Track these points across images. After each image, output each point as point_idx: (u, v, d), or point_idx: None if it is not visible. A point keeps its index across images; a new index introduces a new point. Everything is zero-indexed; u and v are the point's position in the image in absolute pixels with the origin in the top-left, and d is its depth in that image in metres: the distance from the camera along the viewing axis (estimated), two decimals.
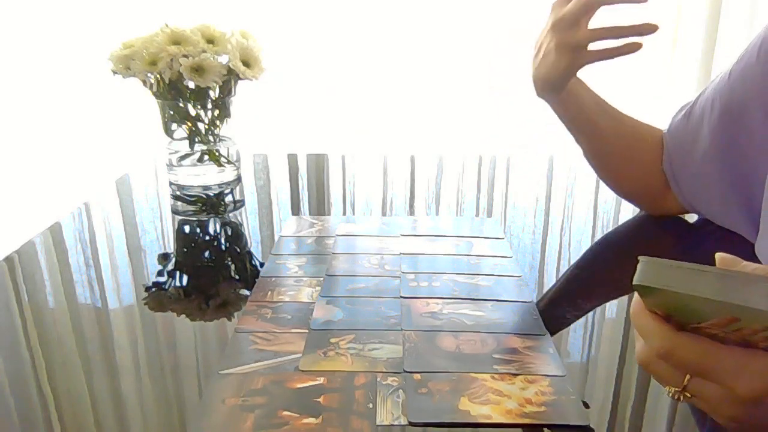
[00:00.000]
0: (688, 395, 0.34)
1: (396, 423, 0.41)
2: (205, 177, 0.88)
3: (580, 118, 0.71)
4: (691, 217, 0.78)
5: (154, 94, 0.84)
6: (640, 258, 0.33)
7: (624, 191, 0.79)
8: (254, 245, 0.73)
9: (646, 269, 0.32)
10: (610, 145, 0.74)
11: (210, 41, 0.81)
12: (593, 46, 0.63)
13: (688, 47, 1.71)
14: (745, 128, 0.62)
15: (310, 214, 0.79)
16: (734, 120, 0.63)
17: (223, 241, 0.76)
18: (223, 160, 0.89)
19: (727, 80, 0.64)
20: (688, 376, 0.33)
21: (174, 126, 0.87)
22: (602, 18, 0.65)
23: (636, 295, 0.34)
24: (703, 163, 0.68)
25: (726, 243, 0.69)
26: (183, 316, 0.56)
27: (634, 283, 0.32)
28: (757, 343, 0.32)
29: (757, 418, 0.32)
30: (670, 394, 0.34)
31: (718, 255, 0.34)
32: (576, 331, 0.54)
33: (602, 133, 0.72)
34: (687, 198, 0.72)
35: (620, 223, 0.80)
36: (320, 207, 0.84)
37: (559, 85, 0.66)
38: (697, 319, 0.32)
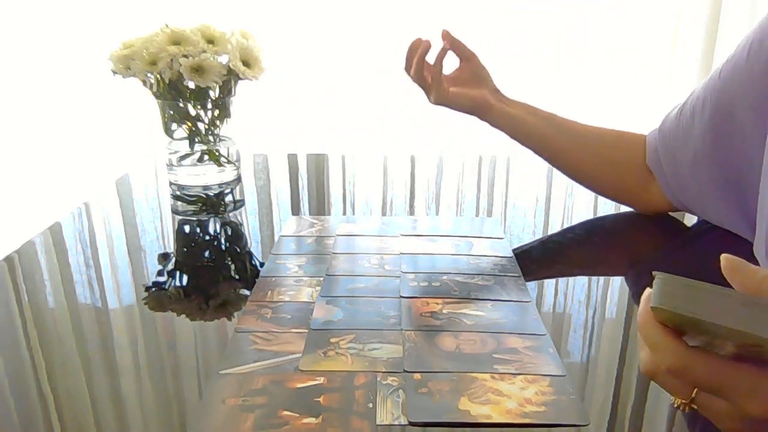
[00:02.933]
0: (695, 407, 0.33)
1: (396, 423, 0.41)
2: (205, 177, 0.88)
3: (520, 134, 0.77)
4: (690, 218, 0.78)
5: (154, 94, 0.84)
6: (656, 275, 0.31)
7: (601, 191, 0.80)
8: (254, 245, 0.73)
9: (664, 290, 0.30)
10: (571, 154, 0.77)
11: (210, 41, 0.81)
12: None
13: (688, 47, 1.71)
14: (736, 127, 0.62)
15: (310, 214, 0.79)
16: (725, 119, 0.63)
17: (223, 241, 0.76)
18: (223, 160, 0.89)
19: (718, 79, 0.64)
20: (696, 390, 0.33)
21: (174, 126, 0.87)
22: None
23: (643, 304, 0.33)
24: (695, 162, 0.68)
25: (725, 240, 0.69)
26: (183, 316, 0.56)
27: (652, 305, 0.31)
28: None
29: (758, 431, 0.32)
30: (676, 405, 0.34)
31: (724, 257, 0.32)
32: (576, 331, 0.54)
33: (557, 145, 0.77)
34: (679, 197, 0.72)
35: (620, 222, 0.80)
36: (320, 207, 0.84)
37: (472, 113, 0.76)
38: (713, 339, 0.31)
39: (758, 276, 0.30)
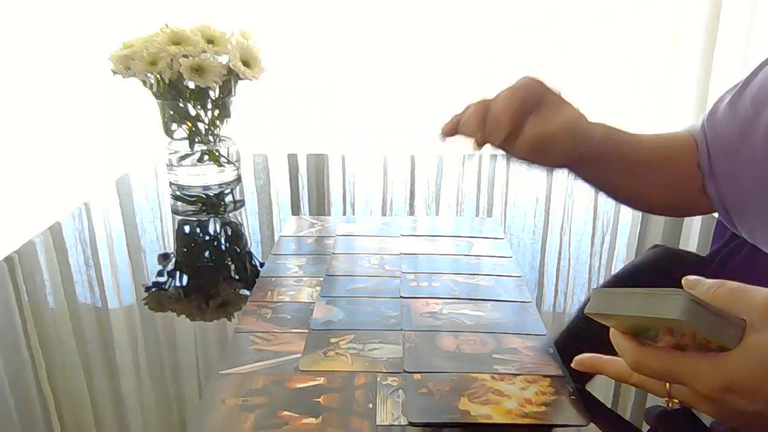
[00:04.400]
0: (676, 401, 0.38)
1: (396, 423, 0.41)
2: (205, 177, 0.88)
3: (595, 181, 0.63)
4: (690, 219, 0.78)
5: (154, 94, 0.84)
6: (593, 290, 0.39)
7: (655, 212, 0.71)
8: (254, 245, 0.73)
9: (593, 299, 0.39)
10: (639, 196, 0.65)
11: (210, 41, 0.81)
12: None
13: (688, 47, 1.71)
14: None
15: (310, 214, 0.79)
16: None
17: (223, 241, 0.76)
18: (223, 160, 0.89)
19: None
20: (667, 384, 0.37)
21: (174, 126, 0.87)
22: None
23: None
24: (755, 165, 0.58)
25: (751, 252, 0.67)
26: (183, 316, 0.56)
27: (585, 312, 0.39)
28: (707, 346, 0.35)
29: (730, 409, 0.35)
30: (664, 402, 0.38)
31: (686, 278, 0.38)
32: (576, 331, 0.54)
33: (626, 192, 0.64)
34: (725, 203, 0.62)
35: (620, 224, 0.80)
36: (320, 207, 0.84)
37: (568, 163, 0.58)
38: (650, 335, 0.37)
39: (705, 286, 0.36)
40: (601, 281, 0.64)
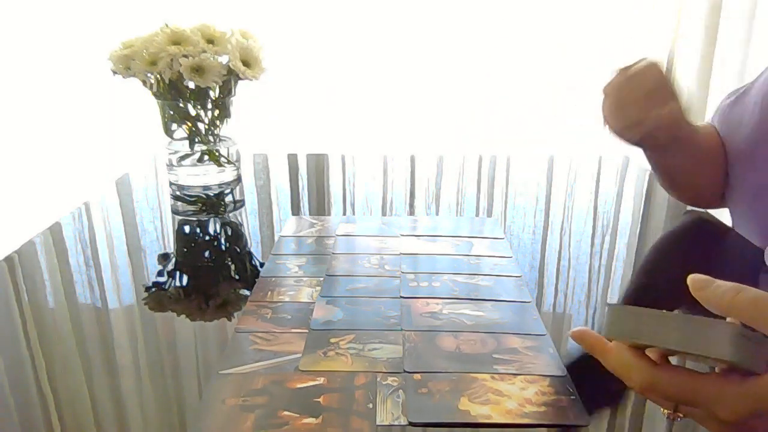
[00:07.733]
0: (681, 415, 0.35)
1: (396, 423, 0.41)
2: (205, 177, 0.88)
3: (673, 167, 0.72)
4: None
5: (154, 94, 0.84)
6: (609, 306, 0.35)
7: (695, 202, 0.79)
8: (254, 245, 0.73)
9: (614, 319, 0.34)
10: (698, 170, 0.72)
11: (210, 41, 0.81)
12: None
13: (688, 48, 1.71)
14: None
15: (310, 214, 0.79)
16: None
17: (223, 241, 0.76)
18: (223, 160, 0.89)
19: None
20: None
21: (174, 126, 0.87)
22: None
23: None
24: (744, 154, 0.65)
25: (736, 246, 0.68)
26: (183, 316, 0.56)
27: (605, 335, 0.35)
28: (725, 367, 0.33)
29: (746, 429, 0.34)
30: (665, 414, 0.36)
31: (690, 278, 0.34)
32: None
33: (695, 180, 0.73)
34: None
35: (620, 223, 0.80)
36: (320, 207, 0.84)
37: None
38: (671, 355, 0.35)
39: (719, 291, 0.33)
40: (602, 281, 0.65)
